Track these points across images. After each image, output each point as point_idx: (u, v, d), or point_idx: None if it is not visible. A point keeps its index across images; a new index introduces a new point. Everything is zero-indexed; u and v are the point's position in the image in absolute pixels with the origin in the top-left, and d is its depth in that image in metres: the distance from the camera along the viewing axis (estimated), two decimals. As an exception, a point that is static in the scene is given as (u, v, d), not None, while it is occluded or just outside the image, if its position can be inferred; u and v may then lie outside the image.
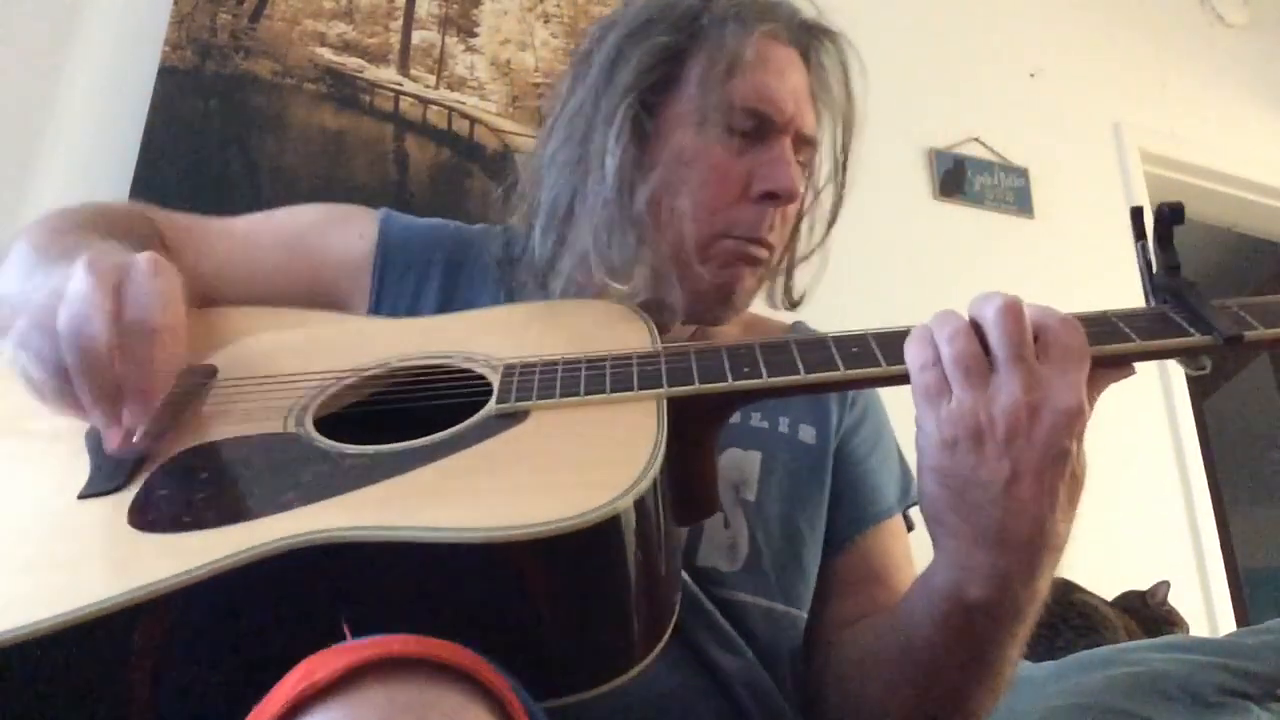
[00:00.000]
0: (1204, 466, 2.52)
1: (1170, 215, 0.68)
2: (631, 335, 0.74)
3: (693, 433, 0.65)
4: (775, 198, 0.83)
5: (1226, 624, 2.30)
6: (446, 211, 1.11)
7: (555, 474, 0.58)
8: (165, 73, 1.76)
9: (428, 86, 1.97)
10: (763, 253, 0.85)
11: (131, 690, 0.51)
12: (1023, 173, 2.58)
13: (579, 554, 0.53)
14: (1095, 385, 0.62)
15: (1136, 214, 0.70)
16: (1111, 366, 0.64)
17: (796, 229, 0.92)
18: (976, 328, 0.61)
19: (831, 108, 0.90)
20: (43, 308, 0.62)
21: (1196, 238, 3.32)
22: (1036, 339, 0.60)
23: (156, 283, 0.63)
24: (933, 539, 0.66)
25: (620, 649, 0.56)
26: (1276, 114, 3.10)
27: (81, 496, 0.61)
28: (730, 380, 0.64)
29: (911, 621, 0.70)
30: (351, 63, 1.93)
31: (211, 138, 1.77)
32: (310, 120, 1.85)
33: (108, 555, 0.56)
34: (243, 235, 0.91)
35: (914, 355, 0.62)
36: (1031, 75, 2.73)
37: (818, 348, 0.66)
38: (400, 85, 1.95)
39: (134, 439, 0.62)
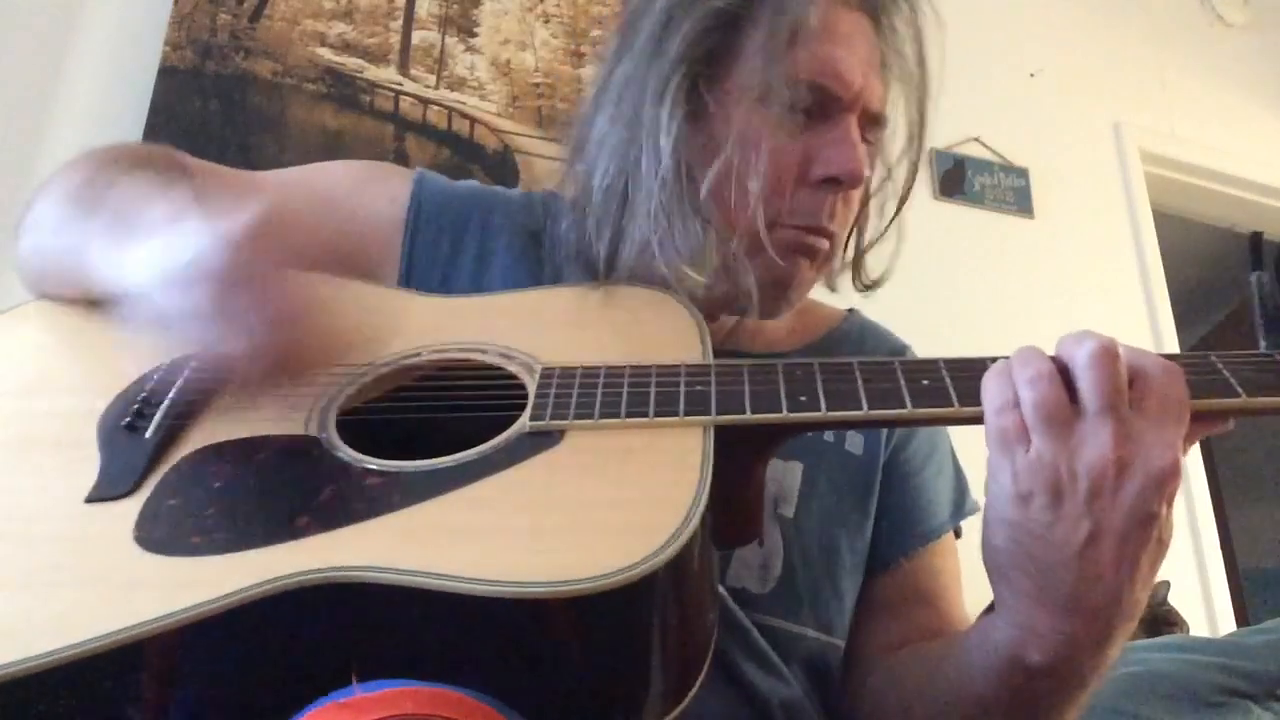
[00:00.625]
0: (1204, 466, 2.52)
1: None
2: (682, 339, 0.69)
3: (740, 460, 0.60)
4: (838, 183, 0.76)
5: (1226, 624, 2.30)
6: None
7: (589, 514, 0.54)
8: (165, 73, 1.76)
9: (428, 86, 1.97)
10: (823, 243, 0.77)
11: None
12: (1023, 173, 2.58)
13: (610, 610, 0.50)
14: (1189, 438, 0.56)
15: (1255, 239, 0.63)
16: (1208, 422, 0.58)
17: (864, 210, 0.85)
18: (1064, 371, 0.56)
19: (905, 78, 0.82)
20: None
21: (1196, 238, 3.32)
22: (1132, 385, 0.55)
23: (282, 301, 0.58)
24: (995, 593, 0.60)
25: (644, 705, 0.53)
26: (1276, 114, 3.10)
27: (89, 500, 0.58)
28: (785, 412, 0.59)
29: (965, 671, 0.65)
30: (351, 63, 1.93)
31: (211, 138, 1.77)
32: (310, 120, 1.85)
33: (110, 579, 0.53)
34: (274, 188, 0.85)
35: (991, 396, 0.57)
36: (1031, 75, 2.73)
37: (883, 377, 0.61)
38: (400, 85, 1.95)
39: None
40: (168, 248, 0.58)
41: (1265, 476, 3.81)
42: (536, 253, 0.84)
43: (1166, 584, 1.80)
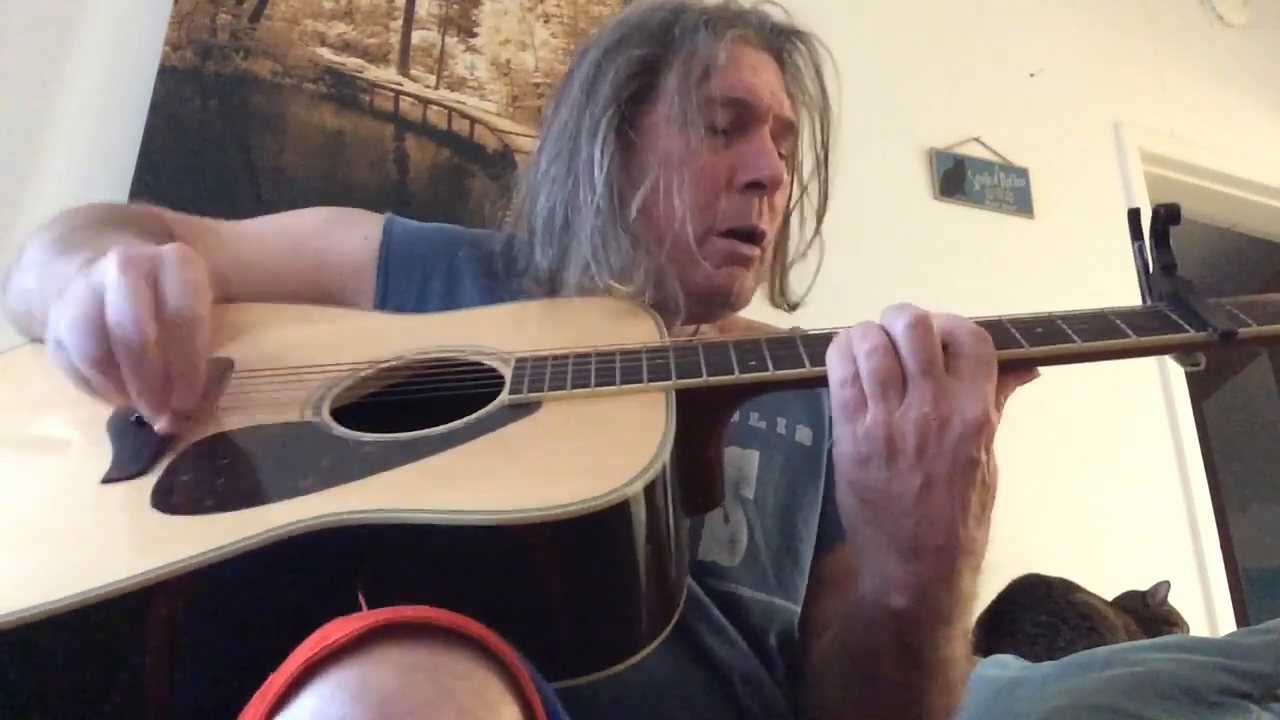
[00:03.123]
0: (1204, 466, 2.52)
1: (1166, 216, 0.70)
2: (639, 330, 0.76)
3: (700, 424, 0.66)
4: (760, 186, 0.85)
5: (1226, 624, 2.30)
6: (446, 211, 1.12)
7: (567, 460, 0.59)
8: (165, 73, 1.76)
9: (428, 86, 1.97)
10: (754, 250, 0.87)
11: (152, 666, 0.52)
12: (1023, 173, 2.58)
13: (590, 537, 0.54)
14: (1001, 391, 0.64)
15: (1134, 215, 0.73)
16: (1015, 374, 0.65)
17: (785, 225, 0.95)
18: (892, 341, 0.63)
19: (809, 105, 0.93)
20: (80, 301, 0.63)
21: (1196, 238, 3.32)
22: (946, 349, 0.62)
23: (190, 272, 0.64)
24: (854, 549, 0.68)
25: (628, 632, 0.57)
26: (1276, 114, 3.10)
27: (105, 481, 0.62)
28: (737, 373, 0.66)
29: (852, 629, 0.72)
30: (351, 63, 1.93)
31: (211, 138, 1.77)
32: (310, 120, 1.85)
33: (132, 534, 0.58)
34: (251, 237, 0.93)
35: (834, 368, 0.64)
36: (1031, 75, 2.73)
37: (822, 343, 0.67)
38: (400, 85, 1.95)
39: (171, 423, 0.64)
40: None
41: (1265, 476, 3.81)
42: (496, 283, 0.92)
43: (1166, 584, 1.80)
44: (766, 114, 0.87)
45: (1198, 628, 2.13)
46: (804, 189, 0.95)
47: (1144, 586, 1.81)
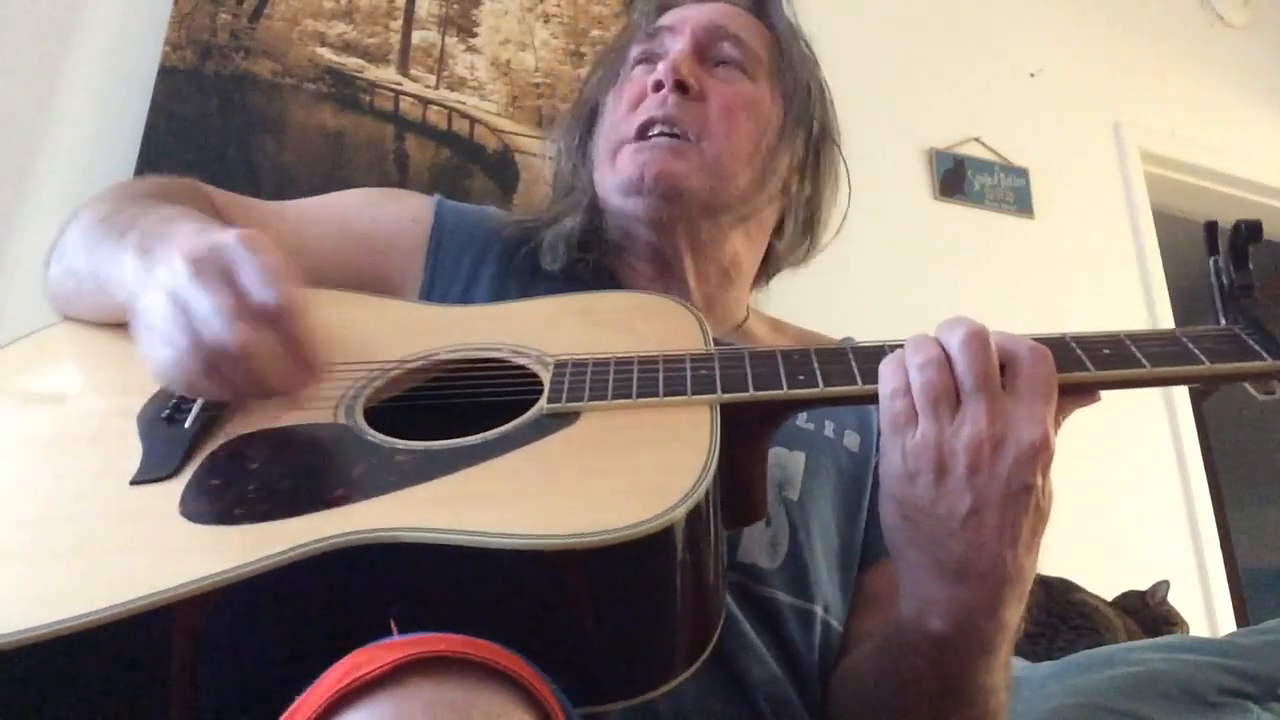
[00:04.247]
0: (1204, 466, 2.52)
1: (1248, 233, 0.65)
2: (682, 332, 0.73)
3: (745, 438, 0.64)
4: (659, 86, 0.88)
5: (1226, 624, 2.30)
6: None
7: (607, 480, 0.57)
8: (165, 73, 1.76)
9: (428, 86, 1.97)
10: (661, 137, 0.87)
11: (177, 681, 0.52)
12: (1023, 173, 2.58)
13: (630, 564, 0.52)
14: (1060, 413, 0.61)
15: (1210, 229, 0.68)
16: (1075, 396, 0.62)
17: (771, 160, 0.91)
18: (947, 355, 0.60)
19: (783, 37, 0.95)
20: (167, 320, 0.60)
21: (1196, 238, 3.31)
22: (1004, 368, 0.59)
23: (263, 256, 0.60)
24: (897, 569, 0.65)
25: (664, 659, 0.56)
26: (1276, 114, 3.10)
27: (134, 482, 0.61)
28: (785, 389, 0.63)
29: (888, 651, 0.70)
30: (351, 63, 1.93)
31: (211, 138, 1.77)
32: (310, 120, 1.85)
33: (160, 545, 0.56)
34: (295, 216, 0.91)
35: (885, 381, 0.61)
36: (1031, 75, 2.73)
37: (875, 358, 0.64)
38: (400, 85, 1.95)
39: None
40: (174, 250, 0.62)
41: (1265, 476, 3.81)
42: (552, 266, 0.91)
43: (1166, 584, 1.80)
44: (683, 26, 0.91)
45: (1198, 628, 2.13)
46: (787, 114, 0.92)
47: (1144, 586, 1.81)
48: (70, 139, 1.68)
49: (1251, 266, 0.66)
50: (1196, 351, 0.62)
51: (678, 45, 0.90)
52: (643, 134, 0.87)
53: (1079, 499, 2.24)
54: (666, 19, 0.95)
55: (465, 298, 0.86)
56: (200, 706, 0.52)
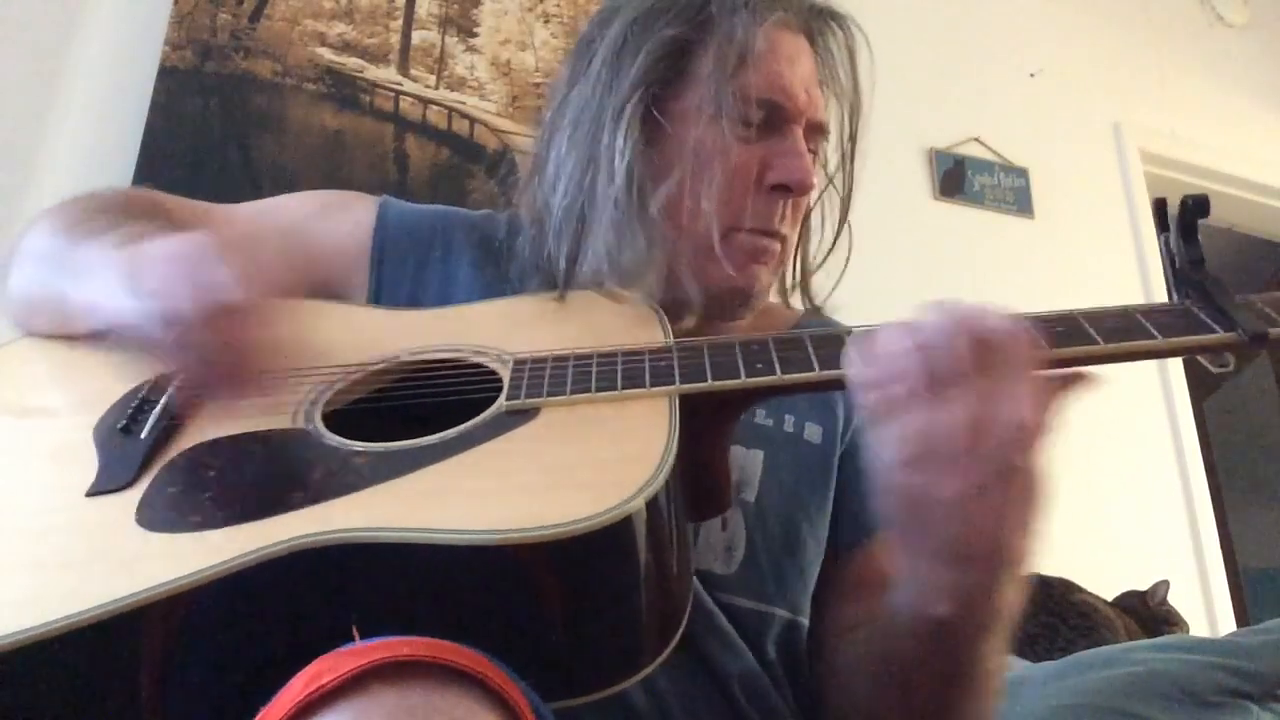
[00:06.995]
0: (1204, 466, 2.52)
1: (1195, 207, 0.66)
2: (643, 329, 0.73)
3: (706, 428, 0.64)
4: (788, 190, 0.82)
5: (1226, 624, 2.30)
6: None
7: (566, 474, 0.57)
8: (165, 73, 1.76)
9: (428, 86, 1.97)
10: (775, 245, 0.84)
11: (140, 690, 0.51)
12: (1023, 173, 2.58)
13: (590, 556, 0.52)
14: (1053, 393, 0.60)
15: (1159, 205, 0.69)
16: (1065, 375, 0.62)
17: (806, 223, 0.91)
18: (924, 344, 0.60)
19: (839, 95, 0.89)
20: (168, 259, 0.62)
21: (1196, 238, 3.31)
22: (984, 349, 0.58)
23: (215, 268, 0.62)
24: (895, 557, 0.65)
25: (632, 650, 0.56)
26: (1276, 114, 3.10)
27: (90, 494, 0.60)
28: (744, 377, 0.64)
29: (889, 631, 0.69)
30: (351, 63, 1.93)
31: (211, 138, 1.77)
32: (310, 120, 1.85)
33: (117, 554, 0.56)
34: (244, 222, 0.90)
35: (862, 372, 0.61)
36: (1031, 75, 2.73)
37: (833, 344, 0.65)
38: (400, 85, 1.95)
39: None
40: (137, 265, 0.63)
41: (1265, 476, 3.81)
42: (497, 269, 0.88)
43: (1166, 584, 1.80)
44: (800, 115, 0.83)
45: (1198, 628, 2.13)
46: (830, 182, 0.91)
47: (1144, 586, 1.81)
48: (70, 139, 1.68)
49: (1201, 240, 0.66)
50: (1150, 326, 0.62)
51: (796, 139, 0.82)
52: (762, 232, 0.83)
53: (1079, 499, 2.24)
54: (775, 79, 0.82)
55: (412, 300, 0.85)
56: (167, 716, 0.52)
